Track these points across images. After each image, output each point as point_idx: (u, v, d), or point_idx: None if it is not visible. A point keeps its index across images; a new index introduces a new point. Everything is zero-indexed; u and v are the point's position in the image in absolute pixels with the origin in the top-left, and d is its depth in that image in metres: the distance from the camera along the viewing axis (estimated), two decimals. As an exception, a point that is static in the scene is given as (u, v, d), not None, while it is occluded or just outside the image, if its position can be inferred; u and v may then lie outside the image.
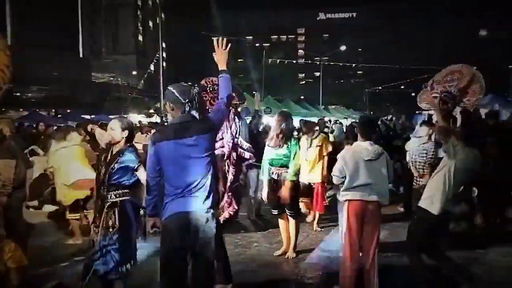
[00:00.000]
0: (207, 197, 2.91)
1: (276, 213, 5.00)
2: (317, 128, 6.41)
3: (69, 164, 5.35)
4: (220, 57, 3.15)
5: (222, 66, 3.14)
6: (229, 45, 3.15)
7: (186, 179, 2.86)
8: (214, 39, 3.15)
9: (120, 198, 3.34)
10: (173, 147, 2.86)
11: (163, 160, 2.89)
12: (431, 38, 62.38)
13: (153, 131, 7.08)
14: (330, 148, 6.11)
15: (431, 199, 3.79)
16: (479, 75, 5.51)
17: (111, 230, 3.27)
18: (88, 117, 21.68)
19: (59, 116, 23.66)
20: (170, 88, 3.00)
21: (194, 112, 2.99)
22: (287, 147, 4.76)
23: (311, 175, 6.01)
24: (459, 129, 3.96)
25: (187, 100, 2.94)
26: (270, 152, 4.88)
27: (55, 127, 9.80)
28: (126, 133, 3.39)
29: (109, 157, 3.37)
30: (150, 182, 2.96)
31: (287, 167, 4.79)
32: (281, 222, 5.04)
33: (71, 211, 5.47)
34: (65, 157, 5.41)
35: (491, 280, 4.32)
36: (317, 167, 6.00)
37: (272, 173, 4.88)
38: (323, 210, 6.13)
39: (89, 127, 5.01)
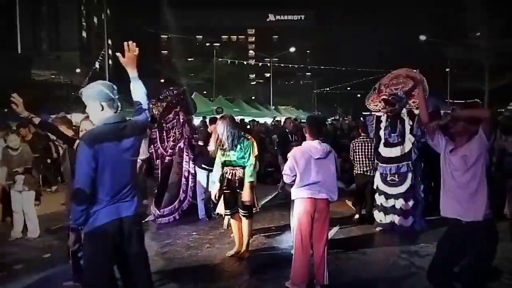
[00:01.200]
0: (138, 199, 2.83)
1: (229, 213, 4.98)
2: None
3: None
4: (130, 62, 2.89)
5: (133, 71, 2.92)
6: (137, 49, 2.94)
7: (121, 184, 2.72)
8: (125, 43, 2.91)
9: None
10: (113, 149, 2.67)
11: (100, 164, 2.62)
12: (376, 41, 65.15)
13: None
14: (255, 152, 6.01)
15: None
16: (423, 79, 5.84)
17: None
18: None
19: (-5, 115, 22.14)
20: (98, 85, 2.77)
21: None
22: (240, 148, 4.75)
23: None
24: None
25: (117, 97, 2.80)
26: (222, 155, 4.85)
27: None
28: None
29: None
30: (85, 190, 2.60)
31: (241, 167, 4.78)
32: (233, 222, 5.02)
33: None
34: None
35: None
36: None
37: (226, 172, 4.86)
38: None
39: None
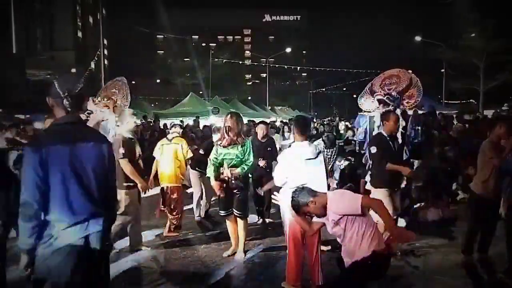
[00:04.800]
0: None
1: (224, 213, 4.96)
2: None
3: None
4: None
5: None
6: None
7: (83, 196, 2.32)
8: None
9: None
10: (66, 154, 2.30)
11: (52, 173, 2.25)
12: (371, 42, 65.41)
13: None
14: (189, 154, 6.04)
15: None
16: (416, 79, 5.87)
17: None
18: (22, 116, 20.31)
19: (-11, 115, 22.00)
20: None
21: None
22: (241, 146, 4.72)
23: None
24: None
25: (66, 94, 2.35)
26: (221, 152, 4.76)
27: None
28: None
29: None
30: (34, 205, 2.20)
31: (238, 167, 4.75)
32: (229, 223, 5.03)
33: None
34: None
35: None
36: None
37: (222, 173, 4.78)
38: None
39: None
